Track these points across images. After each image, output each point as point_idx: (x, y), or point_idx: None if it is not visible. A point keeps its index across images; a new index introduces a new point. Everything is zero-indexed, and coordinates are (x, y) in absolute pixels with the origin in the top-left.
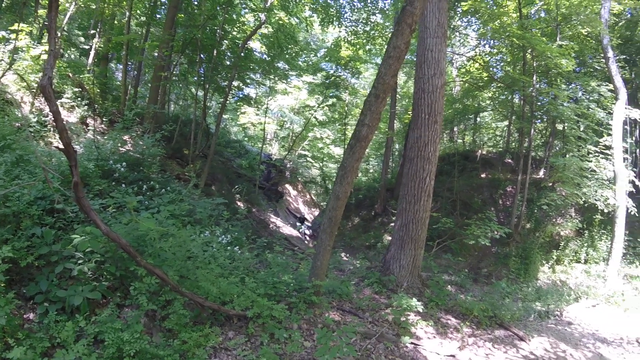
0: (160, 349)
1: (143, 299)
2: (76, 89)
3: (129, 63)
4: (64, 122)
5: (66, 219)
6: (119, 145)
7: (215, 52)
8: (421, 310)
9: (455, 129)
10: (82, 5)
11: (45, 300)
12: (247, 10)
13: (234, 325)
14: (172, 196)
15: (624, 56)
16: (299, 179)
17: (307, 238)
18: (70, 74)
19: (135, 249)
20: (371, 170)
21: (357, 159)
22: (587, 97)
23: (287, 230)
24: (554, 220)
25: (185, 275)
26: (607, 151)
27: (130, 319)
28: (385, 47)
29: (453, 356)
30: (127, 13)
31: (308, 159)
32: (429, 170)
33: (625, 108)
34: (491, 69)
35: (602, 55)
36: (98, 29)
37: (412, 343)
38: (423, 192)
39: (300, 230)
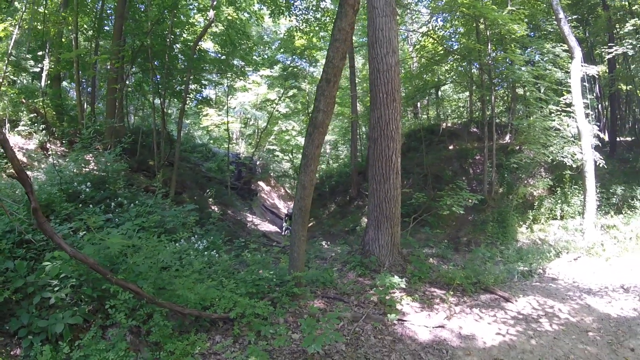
0: None
1: (121, 316)
2: (32, 115)
3: (82, 80)
4: (14, 150)
5: (37, 249)
6: (82, 165)
7: (167, 57)
8: (405, 287)
9: (418, 104)
10: (26, 27)
11: (29, 333)
12: (195, 11)
13: (220, 329)
14: (138, 209)
15: (576, 16)
16: (271, 174)
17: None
18: (24, 100)
19: (110, 267)
20: (342, 156)
21: (317, 146)
22: (544, 59)
23: (266, 226)
24: (525, 181)
25: (161, 286)
26: (568, 109)
27: (114, 338)
28: None
29: (442, 326)
30: (74, 29)
31: (277, 153)
32: (394, 148)
33: (582, 66)
34: (447, 42)
35: (554, 17)
36: (47, 50)
37: (399, 319)
38: (391, 171)
39: (284, 227)
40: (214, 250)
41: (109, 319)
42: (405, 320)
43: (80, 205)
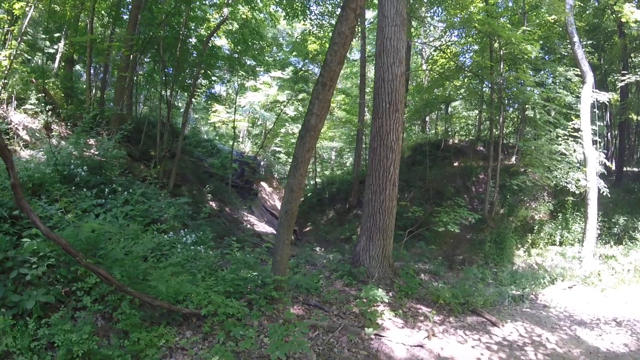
0: (112, 350)
1: (87, 299)
2: (40, 95)
3: (98, 66)
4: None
5: (23, 225)
6: (84, 149)
7: (179, 50)
8: (390, 301)
9: (427, 119)
10: (43, 8)
11: (2, 306)
12: (211, 8)
13: (192, 325)
14: (127, 197)
15: (591, 42)
16: (275, 175)
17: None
18: (34, 80)
19: (92, 251)
20: (348, 164)
21: (307, 150)
22: (556, 82)
23: (262, 227)
24: (527, 204)
25: (134, 275)
26: (576, 134)
27: (81, 321)
28: (355, 40)
29: (421, 346)
30: (90, 14)
31: (282, 154)
32: (393, 159)
33: (593, 91)
34: (460, 57)
35: (569, 41)
36: (63, 32)
37: (376, 334)
38: (388, 182)
39: None
40: (201, 246)
41: (80, 302)
42: (383, 336)
43: (74, 188)
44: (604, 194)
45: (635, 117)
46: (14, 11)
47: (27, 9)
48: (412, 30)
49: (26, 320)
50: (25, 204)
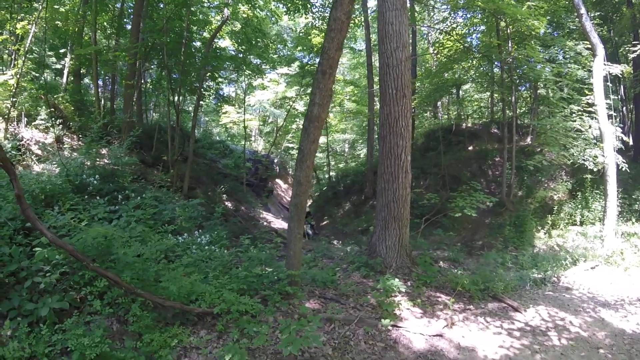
0: (125, 352)
1: (97, 303)
2: (50, 110)
3: (107, 77)
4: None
5: (36, 236)
6: (96, 159)
7: (182, 54)
8: (408, 290)
9: (439, 104)
10: (45, 25)
11: (18, 315)
12: (212, 10)
13: (206, 324)
14: (138, 202)
15: (599, 13)
16: (289, 171)
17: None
18: (42, 96)
19: (104, 256)
20: (361, 155)
21: (312, 141)
22: (566, 57)
23: (279, 224)
24: (545, 184)
25: (145, 277)
26: (590, 109)
27: (93, 325)
28: (359, 29)
29: (441, 335)
30: (93, 27)
31: (294, 151)
32: (403, 146)
33: (605, 64)
34: (467, 39)
35: (576, 14)
36: (68, 47)
37: (394, 325)
38: (400, 169)
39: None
40: (215, 246)
41: (93, 307)
42: (401, 327)
43: (87, 197)
44: (623, 169)
45: None
46: (16, 31)
47: (29, 26)
48: (417, 14)
49: (40, 327)
50: (31, 214)
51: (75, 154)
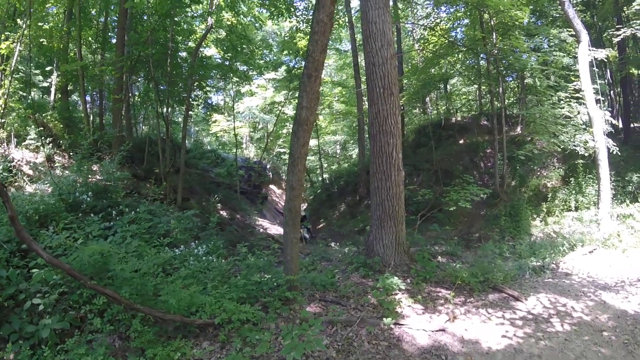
0: None
1: (97, 321)
2: (39, 129)
3: (94, 92)
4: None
5: (32, 257)
6: (89, 175)
7: (169, 65)
8: (408, 287)
9: (427, 100)
10: (29, 43)
11: (20, 338)
12: (197, 19)
13: (208, 335)
14: (132, 217)
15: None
16: (282, 177)
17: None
18: (30, 115)
19: (102, 274)
20: (353, 156)
21: (303, 144)
22: (551, 45)
23: (275, 229)
24: (538, 173)
25: (144, 292)
26: (578, 95)
27: (95, 343)
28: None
29: (443, 330)
30: (77, 42)
31: (286, 155)
32: (394, 144)
33: (589, 50)
34: (452, 33)
35: (558, 2)
36: (54, 65)
37: (396, 323)
38: (392, 167)
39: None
40: (212, 256)
41: (93, 325)
42: (403, 324)
43: (81, 215)
44: (614, 152)
45: (636, 72)
46: (1, 51)
47: (14, 45)
48: (400, 12)
49: (43, 349)
50: (25, 235)
51: (66, 172)
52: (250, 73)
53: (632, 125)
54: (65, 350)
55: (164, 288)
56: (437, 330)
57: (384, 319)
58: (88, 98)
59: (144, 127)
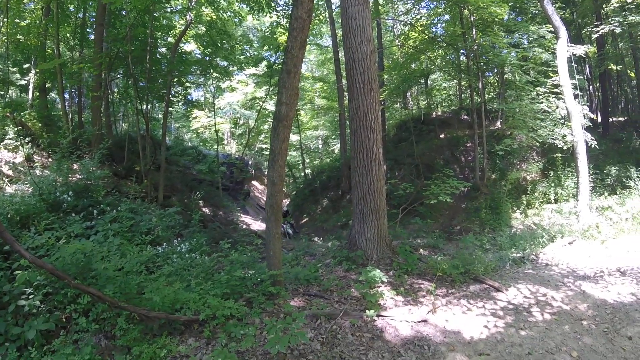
0: None
1: (83, 320)
2: (17, 128)
3: (72, 90)
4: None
5: (15, 259)
6: (69, 175)
7: (148, 61)
8: (389, 280)
9: (408, 95)
10: (7, 40)
11: (6, 340)
12: (176, 15)
13: (194, 331)
14: (113, 215)
15: None
16: (264, 172)
17: (290, 234)
18: (8, 114)
19: (85, 273)
20: (335, 151)
21: (283, 140)
22: (530, 41)
23: (258, 226)
24: (517, 166)
25: (128, 290)
26: (557, 90)
27: (81, 343)
28: (325, 26)
29: (425, 321)
30: (55, 39)
31: (268, 151)
32: (374, 138)
33: (568, 46)
34: (432, 29)
35: None
36: (32, 62)
37: (379, 315)
38: (373, 162)
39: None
40: (195, 253)
41: (79, 325)
42: (386, 316)
43: (62, 214)
44: (592, 146)
45: (614, 68)
46: None
47: None
48: (381, 7)
49: (29, 350)
50: (8, 235)
51: (46, 171)
52: (230, 68)
53: (611, 119)
54: (52, 351)
55: (148, 286)
56: (419, 322)
57: (367, 311)
58: (67, 96)
59: (123, 124)
